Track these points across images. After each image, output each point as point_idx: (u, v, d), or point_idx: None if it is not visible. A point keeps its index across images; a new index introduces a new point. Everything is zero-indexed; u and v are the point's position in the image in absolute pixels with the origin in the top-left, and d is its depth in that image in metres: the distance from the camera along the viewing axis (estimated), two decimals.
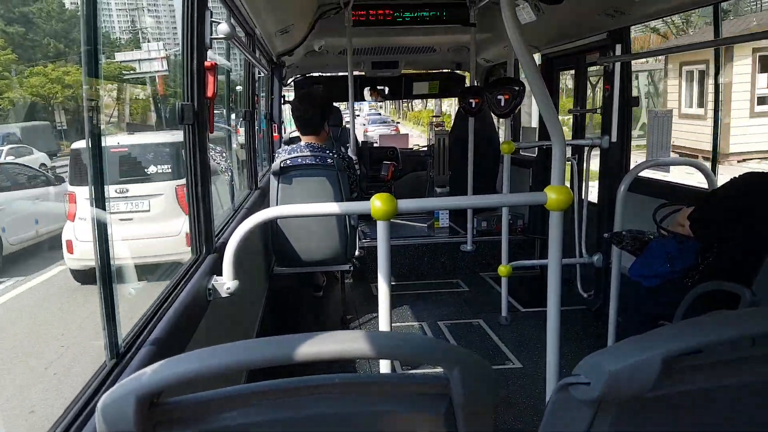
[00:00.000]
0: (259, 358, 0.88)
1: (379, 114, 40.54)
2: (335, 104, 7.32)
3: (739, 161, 15.30)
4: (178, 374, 0.87)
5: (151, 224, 8.22)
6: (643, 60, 16.84)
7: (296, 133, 7.36)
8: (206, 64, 2.55)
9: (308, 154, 4.44)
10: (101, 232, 1.73)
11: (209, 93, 2.58)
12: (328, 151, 4.47)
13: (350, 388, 0.98)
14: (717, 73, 5.66)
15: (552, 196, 2.21)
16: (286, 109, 7.38)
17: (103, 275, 1.72)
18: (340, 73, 7.87)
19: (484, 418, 0.98)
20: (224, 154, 10.08)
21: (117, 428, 0.87)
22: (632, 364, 0.91)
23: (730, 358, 0.99)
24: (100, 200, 1.70)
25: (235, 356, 0.88)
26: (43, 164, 13.52)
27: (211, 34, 2.60)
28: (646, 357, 0.91)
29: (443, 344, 0.95)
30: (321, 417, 0.96)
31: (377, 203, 2.19)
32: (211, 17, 2.58)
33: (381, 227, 2.26)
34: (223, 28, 2.71)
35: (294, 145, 4.62)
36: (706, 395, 1.00)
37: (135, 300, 5.83)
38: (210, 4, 2.59)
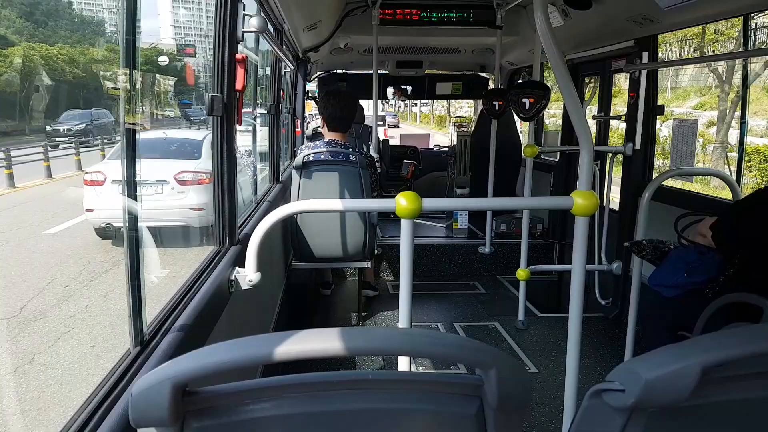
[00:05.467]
0: (295, 350, 0.88)
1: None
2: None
3: None
4: (215, 363, 0.88)
5: None
6: None
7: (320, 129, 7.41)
8: (237, 56, 2.57)
9: (330, 150, 4.46)
10: (131, 222, 1.75)
11: (239, 85, 2.59)
12: (350, 149, 4.49)
13: (382, 385, 0.98)
14: (745, 83, 5.60)
15: (579, 201, 2.21)
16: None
17: (131, 262, 1.74)
18: (364, 71, 7.89)
19: (515, 421, 0.98)
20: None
21: (150, 415, 0.89)
22: (670, 373, 0.91)
23: (760, 371, 0.99)
24: (131, 190, 1.72)
25: (272, 348, 0.88)
26: None
27: (243, 27, 2.62)
28: (685, 366, 0.90)
29: (481, 345, 0.95)
30: (351, 412, 0.96)
31: (402, 201, 2.20)
32: (244, 10, 2.60)
33: (405, 225, 2.27)
34: (254, 21, 2.73)
35: (317, 142, 4.64)
36: (736, 407, 1.00)
37: None
38: None
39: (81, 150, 15.07)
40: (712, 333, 1.03)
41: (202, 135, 11.45)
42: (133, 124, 1.69)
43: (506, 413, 0.96)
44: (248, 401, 0.95)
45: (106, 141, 17.55)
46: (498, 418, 0.96)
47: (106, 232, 9.04)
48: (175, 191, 9.08)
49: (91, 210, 8.90)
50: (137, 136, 1.73)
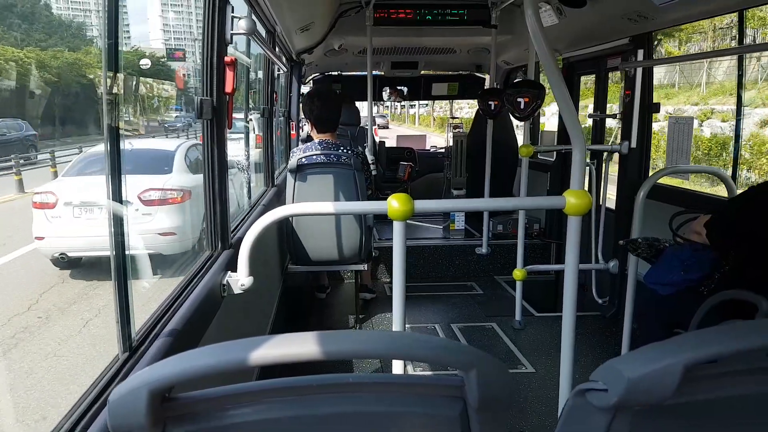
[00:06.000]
0: (275, 354, 0.87)
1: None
2: (356, 103, 7.35)
3: None
4: (193, 368, 0.86)
5: None
6: None
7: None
8: (226, 59, 2.56)
9: (323, 152, 4.43)
10: (117, 226, 1.74)
11: (228, 89, 2.58)
12: (342, 149, 4.46)
13: (363, 388, 0.97)
14: (740, 81, 5.59)
15: (571, 200, 2.20)
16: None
17: (118, 267, 1.73)
18: (359, 73, 7.88)
19: (498, 421, 0.97)
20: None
21: (128, 421, 0.87)
22: (652, 372, 0.89)
23: (747, 368, 0.98)
24: (116, 193, 1.71)
25: (251, 352, 0.87)
26: None
27: (232, 30, 2.60)
28: (667, 365, 0.89)
29: (461, 346, 0.94)
30: (332, 416, 0.95)
31: (395, 203, 2.19)
32: (233, 12, 2.58)
33: (397, 228, 2.25)
34: (243, 23, 2.71)
35: (309, 144, 4.61)
36: (723, 404, 0.98)
37: None
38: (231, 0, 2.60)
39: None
40: (696, 331, 1.02)
41: (175, 144, 9.75)
42: (117, 128, 1.68)
43: (489, 414, 0.95)
44: (229, 406, 0.94)
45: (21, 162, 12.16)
46: (480, 419, 0.95)
47: (61, 263, 7.61)
48: (139, 213, 7.63)
49: (42, 238, 7.49)
50: (121, 143, 1.71)
